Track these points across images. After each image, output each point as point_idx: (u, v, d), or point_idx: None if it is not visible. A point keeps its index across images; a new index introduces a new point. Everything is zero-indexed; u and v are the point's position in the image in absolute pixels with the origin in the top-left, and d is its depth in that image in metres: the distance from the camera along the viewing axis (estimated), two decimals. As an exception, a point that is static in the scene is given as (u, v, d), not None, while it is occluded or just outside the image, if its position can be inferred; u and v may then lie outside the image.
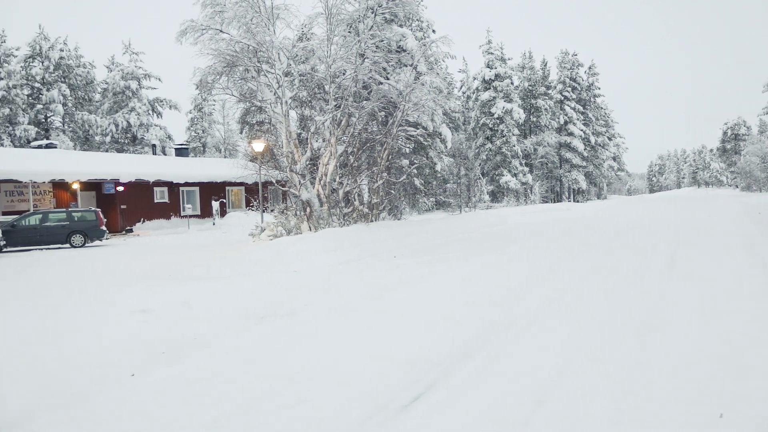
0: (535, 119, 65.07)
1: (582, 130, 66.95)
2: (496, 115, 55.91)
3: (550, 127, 65.08)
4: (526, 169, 58.47)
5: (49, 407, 5.38)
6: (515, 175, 56.39)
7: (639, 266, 12.02)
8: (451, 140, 35.07)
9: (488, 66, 58.00)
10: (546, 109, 64.82)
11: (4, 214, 29.37)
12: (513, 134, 56.45)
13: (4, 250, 24.00)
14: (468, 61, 67.73)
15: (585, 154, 66.65)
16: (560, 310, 8.31)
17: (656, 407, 4.80)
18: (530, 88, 65.61)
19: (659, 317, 7.65)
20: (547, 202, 62.23)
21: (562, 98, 67.08)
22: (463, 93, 66.79)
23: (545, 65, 68.57)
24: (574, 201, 67.85)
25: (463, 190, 46.40)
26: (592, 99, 72.70)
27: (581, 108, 68.61)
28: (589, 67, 74.09)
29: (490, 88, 57.31)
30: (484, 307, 8.62)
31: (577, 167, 66.03)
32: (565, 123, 66.01)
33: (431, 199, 43.71)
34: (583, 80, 70.63)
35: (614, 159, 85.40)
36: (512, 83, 58.36)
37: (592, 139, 68.90)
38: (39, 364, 6.75)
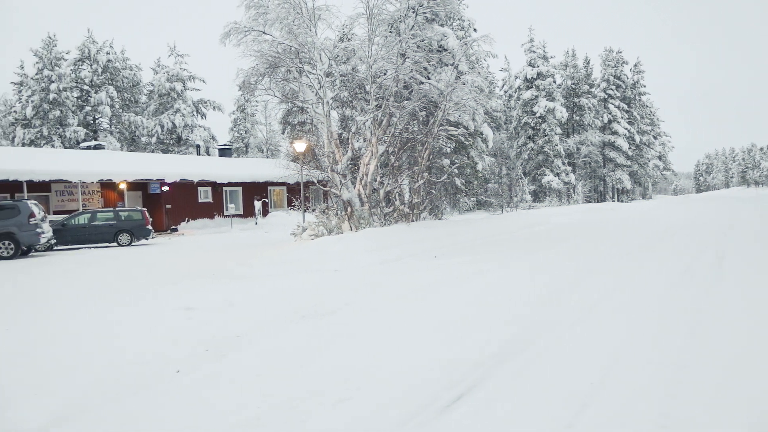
0: (578, 118, 64.20)
1: (626, 129, 65.83)
2: (538, 114, 55.34)
3: (593, 125, 64.14)
4: (569, 168, 57.73)
5: (99, 402, 5.51)
6: (558, 174, 55.73)
7: (686, 268, 11.76)
8: (492, 140, 34.84)
9: (530, 64, 57.45)
10: (589, 107, 63.90)
11: (55, 213, 30.17)
12: (555, 133, 55.81)
13: (55, 248, 24.68)
14: (510, 59, 67.26)
15: (629, 153, 65.52)
16: (604, 311, 8.18)
17: (704, 413, 4.69)
18: (573, 86, 64.76)
19: (706, 320, 7.48)
20: (590, 202, 61.32)
21: (606, 96, 66.05)
22: (505, 92, 66.28)
23: (588, 63, 67.62)
24: (618, 201, 66.75)
25: (505, 189, 46.04)
26: (637, 97, 71.43)
27: (626, 106, 67.47)
28: (635, 65, 72.82)
29: (532, 87, 56.77)
30: (526, 308, 8.54)
31: (621, 167, 64.96)
32: (609, 122, 64.99)
33: (472, 198, 43.50)
34: (627, 78, 69.45)
35: (660, 158, 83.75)
36: (555, 82, 57.71)
37: (637, 137, 67.71)
38: (89, 359, 6.91)
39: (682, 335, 6.81)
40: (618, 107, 66.05)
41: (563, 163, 57.04)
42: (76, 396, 5.65)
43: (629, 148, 65.59)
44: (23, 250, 21.21)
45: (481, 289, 10.40)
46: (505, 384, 5.46)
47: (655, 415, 4.65)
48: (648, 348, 6.38)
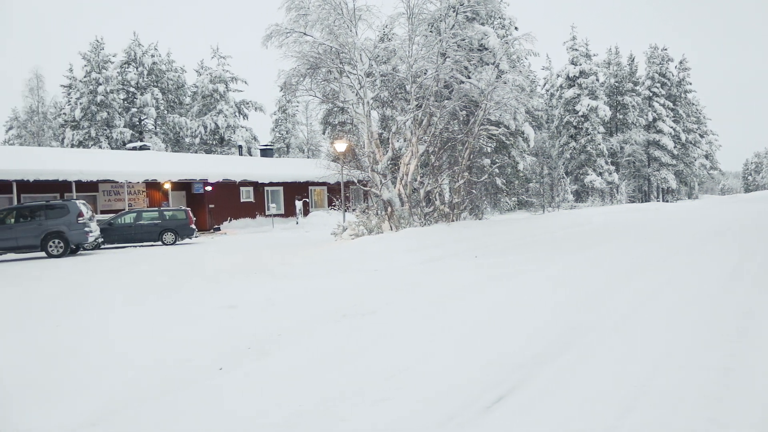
0: (621, 116, 63.15)
1: (672, 127, 64.52)
2: (580, 113, 54.62)
3: (637, 124, 63.02)
4: (612, 167, 56.83)
5: (144, 398, 5.63)
6: (600, 174, 54.91)
7: (733, 271, 11.48)
8: (533, 139, 34.49)
9: (572, 63, 56.74)
10: (633, 105, 62.79)
11: (102, 212, 30.89)
12: (598, 132, 55.00)
13: (102, 246, 25.28)
14: (551, 58, 66.29)
15: (675, 152, 64.20)
16: (647, 313, 8.05)
17: (754, 418, 4.58)
18: (616, 84, 63.73)
19: (755, 324, 7.30)
20: (634, 202, 60.26)
21: (651, 94, 64.84)
22: (547, 91, 65.57)
23: (632, 61, 66.46)
24: (663, 201, 65.46)
25: (546, 189, 45.56)
26: (682, 95, 69.92)
27: (671, 104, 66.12)
28: (680, 62, 71.29)
29: (574, 85, 56.06)
30: (568, 309, 8.45)
31: (666, 166, 63.69)
32: (654, 120, 63.78)
33: (513, 198, 43.15)
34: (673, 75, 68.04)
35: (706, 157, 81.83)
36: (597, 80, 56.87)
37: (683, 136, 66.30)
38: (135, 356, 7.07)
39: (730, 339, 6.66)
40: (663, 105, 64.78)
41: (606, 163, 56.18)
42: (120, 392, 5.78)
43: (674, 146, 64.26)
44: (72, 248, 21.77)
45: (523, 289, 10.32)
46: (547, 386, 5.41)
47: (702, 421, 4.57)
48: (694, 352, 6.25)
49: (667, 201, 65.57)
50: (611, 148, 60.41)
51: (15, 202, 26.35)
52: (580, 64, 56.01)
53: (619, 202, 54.84)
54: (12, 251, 21.31)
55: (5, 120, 66.01)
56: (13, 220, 21.24)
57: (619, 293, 9.53)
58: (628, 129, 62.61)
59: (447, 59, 21.47)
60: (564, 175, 52.73)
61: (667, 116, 64.81)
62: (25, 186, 27.05)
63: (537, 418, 4.72)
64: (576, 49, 56.78)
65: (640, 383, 5.33)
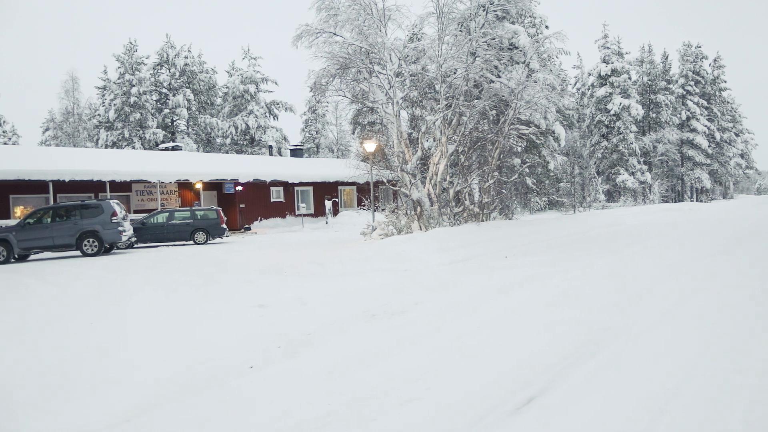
0: (654, 115, 62.26)
1: (706, 126, 63.41)
2: (612, 112, 53.98)
3: (670, 123, 62.05)
4: (645, 167, 56.05)
5: (176, 395, 5.71)
6: (633, 173, 54.20)
7: (766, 273, 11.27)
8: (564, 138, 34.23)
9: (604, 61, 56.08)
10: (666, 104, 61.86)
11: (136, 212, 31.35)
12: (630, 131, 54.29)
13: (135, 246, 25.66)
14: (583, 56, 65.76)
15: (709, 151, 63.08)
16: (680, 315, 7.93)
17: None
18: (649, 82, 62.85)
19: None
20: (667, 201, 59.36)
21: (684, 93, 63.80)
22: (578, 89, 64.92)
23: (666, 58, 65.46)
24: (697, 201, 64.38)
25: (577, 189, 45.12)
26: (717, 93, 68.65)
27: (705, 103, 64.98)
28: (714, 60, 69.99)
29: (606, 84, 55.41)
30: (599, 311, 8.36)
31: (700, 165, 62.62)
32: (688, 119, 62.75)
33: (544, 198, 42.82)
34: (707, 73, 66.84)
35: (742, 156, 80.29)
36: (630, 78, 56.11)
37: (717, 135, 65.13)
38: (166, 354, 7.16)
39: (766, 342, 6.54)
40: (697, 104, 63.70)
41: (639, 162, 55.43)
42: (153, 390, 5.87)
43: (709, 145, 63.15)
44: (106, 247, 22.11)
45: (554, 290, 10.23)
46: (578, 387, 5.36)
47: (737, 423, 4.49)
48: (728, 355, 6.15)
49: (701, 201, 64.46)
50: (644, 147, 59.59)
51: (51, 202, 26.87)
52: (612, 63, 55.33)
53: (652, 202, 54.07)
54: (48, 250, 21.73)
55: (42, 121, 67.38)
56: (49, 220, 21.66)
57: (653, 295, 9.40)
58: (661, 128, 61.70)
59: (477, 58, 21.38)
60: (595, 175, 52.15)
61: (701, 115, 63.72)
62: (61, 186, 27.57)
63: (568, 421, 4.69)
64: (608, 47, 56.10)
65: (673, 386, 5.26)
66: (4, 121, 49.62)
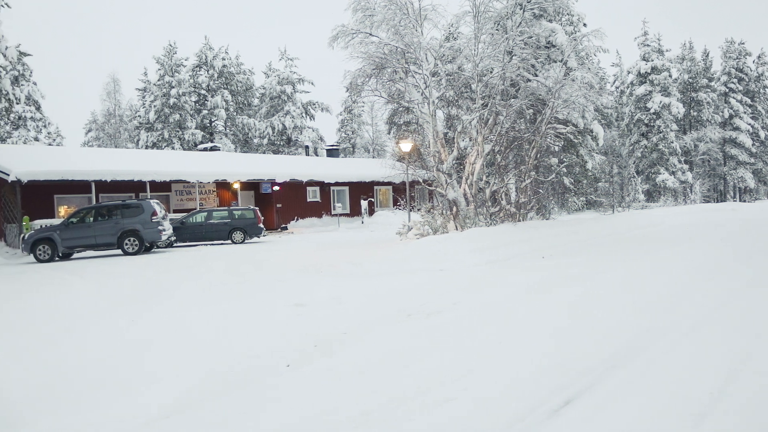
0: (695, 113, 61.01)
1: (749, 125, 61.94)
2: (652, 110, 53.09)
3: (712, 121, 60.77)
4: (686, 166, 54.98)
5: (215, 392, 5.79)
6: (673, 173, 53.23)
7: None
8: (602, 137, 33.72)
9: (644, 59, 55.17)
10: (708, 102, 60.58)
11: (175, 212, 31.82)
12: (671, 130, 53.32)
13: (175, 245, 26.07)
14: (622, 54, 64.60)
15: (753, 150, 61.59)
16: (722, 318, 7.77)
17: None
18: (690, 80, 61.62)
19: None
20: (708, 201, 58.16)
21: (727, 90, 62.39)
22: (616, 88, 64.00)
23: (707, 56, 64.12)
24: (740, 201, 62.94)
25: (616, 189, 44.46)
26: (761, 90, 66.98)
27: (749, 100, 63.47)
28: (758, 56, 68.28)
29: (645, 82, 54.51)
30: (638, 313, 8.24)
31: (743, 164, 61.18)
32: (730, 117, 61.37)
33: (581, 198, 42.29)
34: (751, 70, 65.26)
35: (788, 155, 78.21)
36: (670, 76, 55.11)
37: (762, 133, 63.55)
38: (205, 351, 7.27)
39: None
40: (740, 101, 62.25)
41: (679, 161, 54.42)
42: (193, 387, 5.96)
43: (753, 144, 61.67)
44: (146, 246, 22.51)
45: (591, 291, 10.12)
46: (617, 391, 5.29)
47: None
48: (773, 357, 6.02)
49: (744, 201, 63.01)
50: (684, 146, 58.48)
51: (94, 202, 27.44)
52: (652, 60, 54.41)
53: (693, 202, 53.03)
54: (90, 249, 22.21)
55: (85, 123, 68.92)
56: (91, 219, 22.13)
57: (694, 296, 9.23)
58: (703, 126, 60.47)
59: (513, 57, 21.23)
60: (635, 174, 51.36)
61: (745, 113, 62.26)
62: (102, 186, 28.13)
63: (606, 424, 4.63)
64: (647, 45, 55.19)
65: (716, 389, 5.16)
66: (48, 123, 50.80)
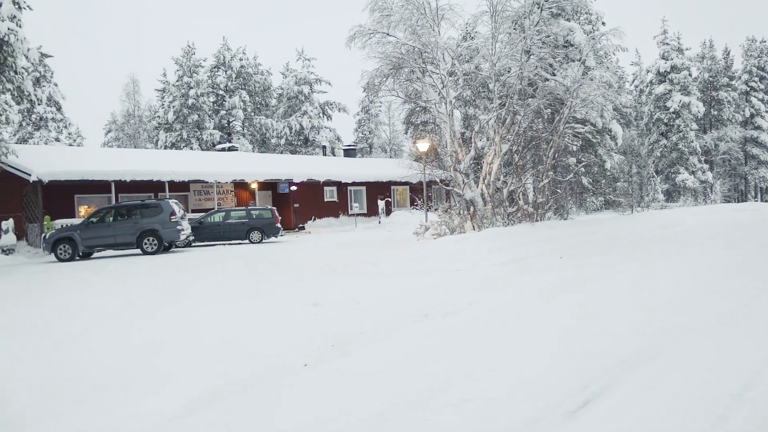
0: (716, 113, 60.40)
1: (772, 123, 61.22)
2: (671, 110, 52.63)
3: (733, 120, 60.12)
4: (706, 166, 54.44)
5: (232, 391, 5.82)
6: (693, 172, 52.73)
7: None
8: (621, 137, 33.45)
9: (663, 57, 54.71)
10: (729, 101, 59.94)
11: (193, 211, 32.05)
12: (691, 129, 52.82)
13: (193, 244, 26.25)
14: (641, 53, 64.03)
15: (775, 149, 60.89)
16: (743, 320, 7.69)
17: None
18: (710, 79, 61.01)
19: None
20: (729, 201, 57.53)
21: (748, 89, 61.68)
22: (635, 87, 63.51)
23: (728, 54, 63.45)
24: (761, 201, 62.21)
25: (635, 189, 44.11)
26: (784, 88, 66.12)
27: (771, 99, 62.72)
28: (780, 54, 67.44)
29: (665, 81, 54.04)
30: (657, 313, 8.17)
31: (765, 164, 60.45)
32: (752, 116, 60.68)
33: (600, 198, 41.98)
34: (773, 68, 64.48)
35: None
36: (690, 75, 54.58)
37: (784, 132, 62.77)
38: (223, 350, 7.32)
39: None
40: (762, 100, 61.52)
41: (699, 161, 53.90)
42: (210, 385, 6.00)
43: (774, 143, 60.96)
44: (165, 245, 22.68)
45: (609, 292, 10.05)
46: (636, 392, 5.25)
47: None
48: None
49: (765, 201, 62.26)
50: (705, 145, 57.91)
51: (113, 201, 27.70)
52: (672, 59, 53.94)
53: (713, 202, 52.47)
54: (110, 248, 22.43)
55: (105, 123, 69.61)
56: (111, 219, 22.35)
57: (713, 297, 9.14)
58: (723, 125, 59.85)
59: (531, 56, 21.14)
60: (654, 174, 50.93)
61: (767, 112, 61.54)
62: (122, 186, 28.39)
63: (624, 426, 4.61)
64: (667, 44, 54.73)
65: (736, 391, 5.11)
66: (69, 124, 51.37)
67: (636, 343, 6.71)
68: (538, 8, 22.42)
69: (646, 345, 6.61)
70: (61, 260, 21.38)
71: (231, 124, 57.68)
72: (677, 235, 21.55)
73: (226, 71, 57.76)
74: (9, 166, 24.93)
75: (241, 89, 57.62)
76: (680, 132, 52.58)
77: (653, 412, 4.80)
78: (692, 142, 52.71)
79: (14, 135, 47.28)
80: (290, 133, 56.85)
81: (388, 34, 20.60)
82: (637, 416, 4.74)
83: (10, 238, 24.06)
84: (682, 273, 11.94)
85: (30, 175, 24.75)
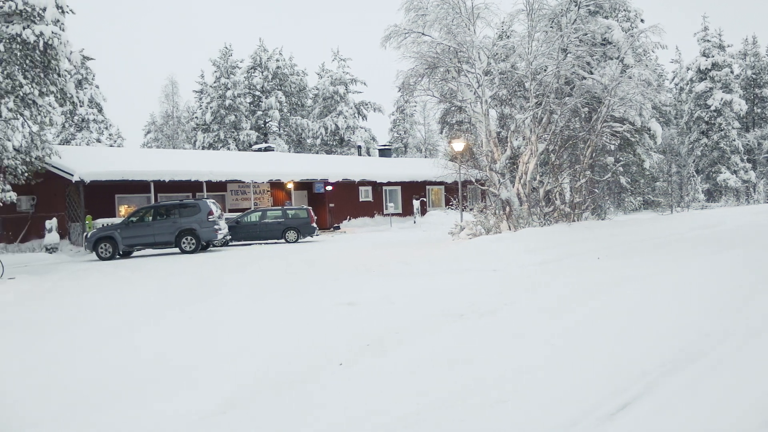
0: (759, 110, 59.01)
1: (818, 121, 59.62)
2: (712, 108, 51.58)
3: (777, 118, 58.71)
4: (748, 165, 53.23)
5: (268, 389, 5.87)
6: (735, 172, 51.60)
7: None
8: (661, 136, 32.90)
9: (704, 55, 53.64)
10: (773, 99, 58.56)
11: (230, 211, 32.42)
12: (733, 128, 51.70)
13: (230, 243, 26.57)
14: (681, 50, 62.78)
15: (821, 147, 59.28)
16: (789, 321, 7.50)
17: None
18: (753, 76, 59.63)
19: None
20: (773, 201, 56.16)
21: (793, 86, 60.16)
22: (675, 85, 62.38)
23: (772, 50, 61.96)
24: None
25: (675, 188, 43.38)
26: (831, 85, 64.33)
27: (817, 96, 61.08)
28: (827, 50, 65.61)
29: (706, 79, 52.99)
30: (698, 315, 8.01)
31: (810, 163, 58.95)
32: (797, 114, 59.19)
33: (638, 198, 41.36)
34: (819, 65, 62.77)
35: None
36: (732, 72, 53.43)
37: (831, 130, 61.06)
38: (259, 348, 7.38)
39: None
40: (808, 97, 59.99)
41: (742, 160, 52.73)
42: (246, 383, 6.05)
43: (821, 142, 59.34)
44: (203, 245, 23.00)
45: (649, 293, 9.89)
46: (675, 396, 5.16)
47: None
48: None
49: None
50: (747, 144, 56.62)
51: (152, 201, 28.17)
52: (713, 56, 52.86)
53: (757, 202, 51.25)
54: (149, 247, 22.84)
55: (144, 124, 70.82)
56: (150, 218, 22.76)
57: (757, 300, 8.92)
58: (767, 123, 58.45)
59: (568, 55, 20.92)
60: (694, 174, 50.01)
61: (813, 109, 59.98)
62: (161, 186, 28.86)
63: (665, 430, 4.53)
64: (708, 40, 53.65)
65: (779, 396, 4.99)
66: (110, 125, 52.41)
67: (676, 345, 6.59)
68: (576, 6, 22.18)
69: (686, 347, 6.48)
70: (102, 259, 21.82)
71: (267, 125, 58.21)
72: (719, 235, 21.10)
73: (262, 72, 58.34)
74: (53, 166, 25.54)
75: (278, 90, 58.10)
76: (722, 130, 51.54)
77: (694, 416, 4.71)
78: (734, 140, 51.62)
79: (57, 136, 48.39)
80: (326, 133, 57.16)
81: (423, 34, 20.58)
82: (677, 420, 4.65)
83: (53, 237, 24.64)
84: (724, 275, 11.69)
85: (72, 175, 25.31)
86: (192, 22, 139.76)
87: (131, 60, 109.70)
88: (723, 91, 51.81)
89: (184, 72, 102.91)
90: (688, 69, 57.33)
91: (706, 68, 53.03)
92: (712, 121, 52.22)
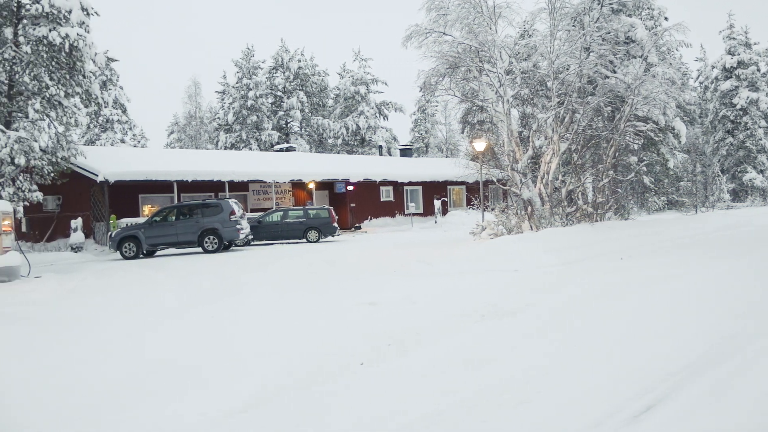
0: (787, 109, 58.09)
1: None
2: (738, 106, 50.90)
3: (805, 117, 57.74)
4: (776, 164, 52.47)
5: (291, 388, 5.88)
6: (762, 171, 50.88)
7: None
8: (685, 135, 32.57)
9: (729, 53, 52.94)
10: (801, 97, 57.59)
11: (252, 211, 32.61)
12: (759, 126, 50.98)
13: (252, 243, 26.73)
14: (706, 48, 62.02)
15: None
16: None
17: None
18: (781, 74, 58.74)
19: None
20: (801, 201, 55.27)
21: (822, 84, 59.15)
22: (700, 83, 61.63)
23: (800, 47, 60.96)
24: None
25: (699, 188, 42.88)
26: None
27: None
28: None
29: (731, 77, 52.30)
30: (723, 317, 7.91)
31: (840, 163, 57.91)
32: (827, 112, 58.19)
33: (662, 198, 40.95)
34: None
35: None
36: (758, 70, 52.66)
37: None
38: (280, 347, 7.41)
39: None
40: (837, 96, 58.93)
41: (768, 159, 52.02)
42: (269, 382, 6.07)
43: None
44: (225, 244, 23.16)
45: (672, 294, 9.78)
46: (701, 398, 5.09)
47: None
48: None
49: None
50: (774, 143, 55.84)
51: (175, 201, 28.42)
52: (738, 54, 52.16)
53: (784, 202, 50.57)
54: (172, 246, 23.05)
55: (167, 125, 71.47)
56: (173, 218, 22.98)
57: (784, 301, 8.80)
58: (795, 122, 57.57)
59: (591, 54, 20.77)
60: (719, 173, 49.39)
61: (842, 107, 58.91)
62: (184, 185, 29.12)
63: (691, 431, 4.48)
64: (733, 38, 52.95)
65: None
66: (134, 125, 53.02)
67: (701, 347, 6.51)
68: (598, 4, 21.99)
69: (711, 349, 6.40)
70: (126, 258, 22.05)
71: (289, 125, 58.49)
72: (745, 236, 20.81)
73: (284, 72, 58.62)
74: (78, 167, 25.85)
75: (299, 90, 58.36)
76: (748, 129, 50.86)
77: (719, 419, 4.66)
78: (761, 139, 50.92)
79: (82, 137, 49.04)
80: (347, 133, 57.29)
81: (444, 33, 20.54)
82: (703, 423, 4.60)
83: (78, 237, 24.96)
84: (750, 276, 11.53)
85: (97, 175, 25.63)
86: (216, 23, 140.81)
87: (155, 61, 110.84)
88: (749, 90, 51.13)
89: (207, 73, 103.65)
90: (713, 67, 56.63)
91: (731, 66, 52.35)
92: (738, 120, 51.54)
